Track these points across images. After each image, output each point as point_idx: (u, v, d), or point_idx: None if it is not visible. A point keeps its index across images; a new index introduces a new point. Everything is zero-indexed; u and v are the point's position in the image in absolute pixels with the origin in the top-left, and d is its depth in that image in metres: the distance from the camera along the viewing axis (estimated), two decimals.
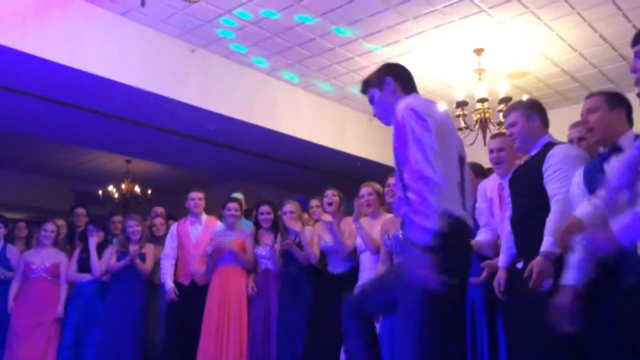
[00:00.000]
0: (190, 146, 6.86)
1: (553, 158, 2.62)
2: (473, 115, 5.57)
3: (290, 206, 4.57)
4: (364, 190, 4.07)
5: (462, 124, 5.58)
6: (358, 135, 7.30)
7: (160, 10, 4.95)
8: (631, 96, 2.53)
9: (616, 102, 2.43)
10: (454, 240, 2.01)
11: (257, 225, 4.84)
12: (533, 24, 5.12)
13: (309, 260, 4.35)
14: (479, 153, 5.10)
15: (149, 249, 5.03)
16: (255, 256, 4.65)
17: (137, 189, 9.44)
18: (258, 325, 4.46)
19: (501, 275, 3.01)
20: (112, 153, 8.45)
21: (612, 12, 4.93)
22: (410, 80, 2.51)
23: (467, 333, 3.41)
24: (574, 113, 2.87)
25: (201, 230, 5.01)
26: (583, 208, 2.25)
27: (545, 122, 2.85)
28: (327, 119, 6.95)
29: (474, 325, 3.43)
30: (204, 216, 5.12)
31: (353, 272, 4.07)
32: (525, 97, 5.50)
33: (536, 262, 2.47)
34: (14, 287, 4.92)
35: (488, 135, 5.43)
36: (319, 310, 4.20)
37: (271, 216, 4.68)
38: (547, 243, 2.48)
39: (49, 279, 4.97)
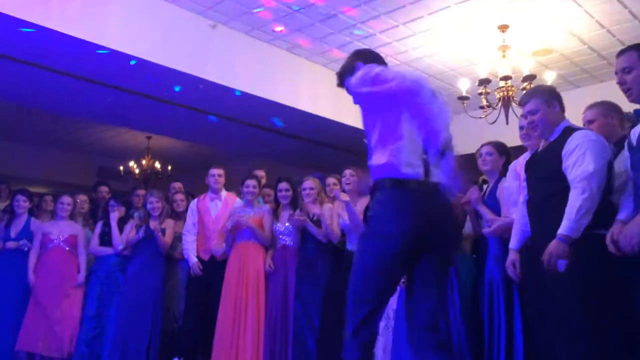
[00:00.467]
0: (211, 123, 6.88)
1: (572, 142, 2.62)
2: (496, 93, 5.48)
3: (309, 183, 4.58)
4: None
5: (484, 102, 5.49)
6: None
7: None
8: None
9: None
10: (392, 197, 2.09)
11: (277, 202, 4.87)
12: (560, 0, 4.99)
13: (329, 238, 4.37)
14: (501, 132, 5.03)
15: (169, 223, 5.11)
16: (273, 232, 4.69)
17: (157, 165, 9.54)
18: (275, 301, 4.51)
19: (513, 257, 3.04)
20: (133, 129, 8.53)
21: None
22: (379, 60, 2.47)
23: (484, 309, 3.42)
24: (601, 91, 2.83)
25: (221, 206, 5.07)
26: None
27: (562, 107, 2.83)
28: (348, 96, 6.85)
29: (491, 302, 3.43)
30: (223, 192, 5.17)
31: None
32: (549, 75, 5.43)
33: (552, 244, 2.50)
34: (32, 259, 5.03)
35: (511, 114, 5.35)
36: (336, 287, 4.22)
37: (290, 193, 4.70)
38: (565, 227, 2.50)
39: (67, 249, 5.08)
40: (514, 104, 5.41)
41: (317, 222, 4.46)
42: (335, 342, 4.02)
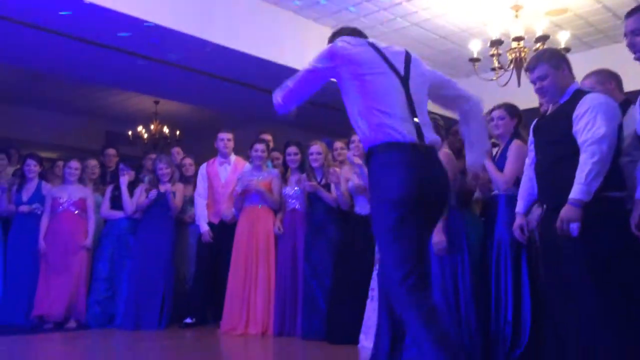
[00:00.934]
0: (219, 87, 6.83)
1: (583, 106, 2.58)
2: (508, 54, 5.36)
3: (316, 148, 4.58)
4: None
5: (496, 64, 5.39)
6: None
7: None
8: None
9: None
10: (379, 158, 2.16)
11: (285, 166, 4.87)
12: None
13: (340, 204, 4.39)
14: (513, 94, 4.96)
15: (179, 187, 5.14)
16: (282, 196, 4.72)
17: (165, 129, 9.55)
18: (285, 263, 4.57)
19: (520, 221, 3.07)
20: (141, 94, 8.50)
21: None
22: (348, 31, 2.54)
23: (492, 273, 3.45)
24: (616, 52, 2.77)
25: (230, 170, 5.10)
26: None
27: (570, 69, 2.78)
28: None
29: (498, 265, 3.45)
30: (232, 157, 5.20)
31: None
32: (563, 35, 5.31)
33: (564, 209, 2.50)
34: (43, 223, 5.10)
35: (523, 76, 5.25)
36: (345, 250, 4.27)
37: (298, 157, 4.70)
38: (576, 191, 2.49)
39: (76, 212, 5.13)
40: (526, 66, 5.31)
41: (326, 187, 4.47)
42: (346, 301, 4.10)
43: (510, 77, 5.36)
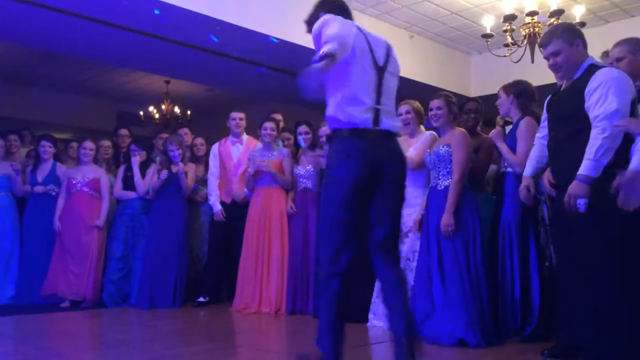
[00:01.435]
0: (229, 66, 6.80)
1: (595, 81, 2.55)
2: (521, 30, 5.27)
3: (327, 128, 4.55)
4: (402, 108, 4.01)
5: (509, 40, 5.30)
6: (398, 53, 7.01)
7: None
8: None
9: None
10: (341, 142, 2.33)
11: (297, 146, 4.86)
12: None
13: None
14: (527, 70, 4.89)
15: (190, 167, 5.16)
16: (294, 176, 4.72)
17: (177, 109, 9.55)
18: (297, 243, 4.59)
19: (526, 182, 3.13)
20: (152, 74, 8.49)
21: None
22: (343, 10, 2.52)
23: (500, 249, 3.44)
24: (632, 26, 2.71)
25: (242, 150, 5.10)
26: None
27: (585, 45, 2.74)
28: None
29: (504, 241, 3.45)
30: (245, 136, 5.20)
31: None
32: (578, 10, 5.20)
33: (572, 185, 2.50)
34: (59, 204, 5.16)
35: (537, 51, 5.16)
36: None
37: (309, 136, 4.69)
38: (585, 166, 2.48)
39: (90, 192, 5.18)
40: (540, 41, 5.21)
41: None
42: (356, 280, 4.11)
43: (524, 53, 5.29)
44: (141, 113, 9.66)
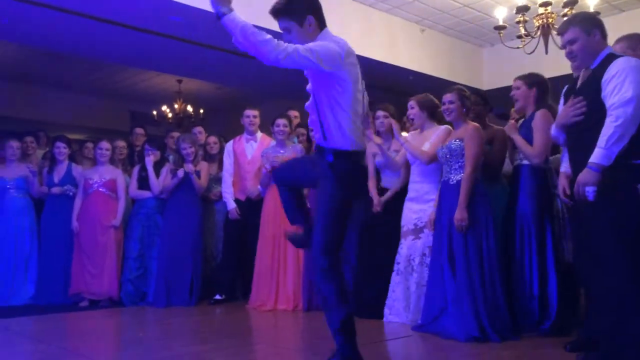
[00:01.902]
0: (241, 64, 6.80)
1: (612, 69, 2.53)
2: (534, 21, 5.21)
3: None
4: (409, 104, 4.01)
5: (522, 31, 5.24)
6: (409, 48, 7.03)
7: None
8: None
9: None
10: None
11: (310, 142, 4.86)
12: None
13: None
14: (541, 62, 4.84)
15: (203, 166, 5.18)
16: None
17: (189, 108, 9.58)
18: None
19: (562, 181, 3.00)
20: (164, 73, 8.53)
21: None
22: (322, 14, 2.59)
23: (516, 246, 3.41)
24: None
25: (256, 147, 5.11)
26: None
27: (604, 34, 2.71)
28: (377, 30, 6.69)
29: (522, 235, 3.42)
30: (259, 133, 5.21)
31: (405, 187, 4.09)
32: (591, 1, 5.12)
33: (582, 173, 2.50)
34: (77, 204, 5.21)
35: (551, 43, 5.11)
36: (371, 224, 4.27)
37: None
38: (596, 154, 2.48)
39: (107, 193, 5.22)
40: (553, 32, 5.15)
41: None
42: (371, 276, 4.12)
43: (538, 44, 5.22)
44: (154, 112, 9.71)
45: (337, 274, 2.59)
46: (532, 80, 3.54)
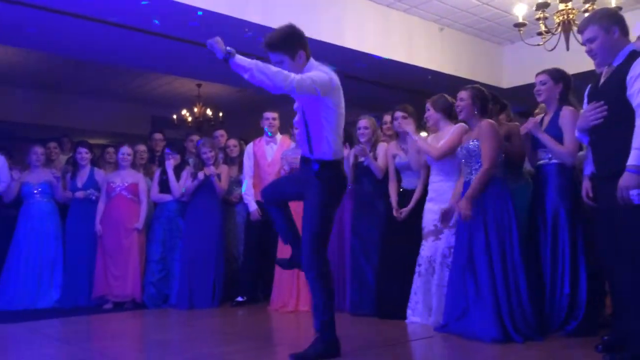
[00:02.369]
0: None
1: (637, 67, 2.49)
2: (555, 17, 5.15)
3: (364, 122, 4.57)
4: (426, 107, 4.03)
5: (543, 28, 5.18)
6: (428, 47, 7.00)
7: None
8: None
9: None
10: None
11: None
12: None
13: (378, 175, 4.40)
14: (562, 59, 4.78)
15: (223, 169, 5.22)
16: None
17: (209, 112, 9.66)
18: (332, 240, 4.55)
19: (586, 184, 2.98)
20: (183, 77, 8.61)
21: None
22: (309, 47, 2.95)
23: (547, 242, 3.37)
24: None
25: (276, 149, 5.13)
26: None
27: (624, 31, 2.69)
28: (395, 30, 6.67)
29: (555, 234, 3.37)
30: (278, 136, 5.23)
31: (426, 188, 4.07)
32: None
33: (623, 178, 2.44)
34: (100, 208, 5.29)
35: (572, 39, 5.04)
36: (393, 225, 4.26)
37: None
38: (633, 156, 2.43)
39: (129, 197, 5.29)
40: (574, 28, 5.08)
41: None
42: (394, 276, 4.11)
43: (558, 41, 5.16)
44: (174, 117, 9.81)
45: (328, 278, 2.94)
46: (559, 76, 3.49)
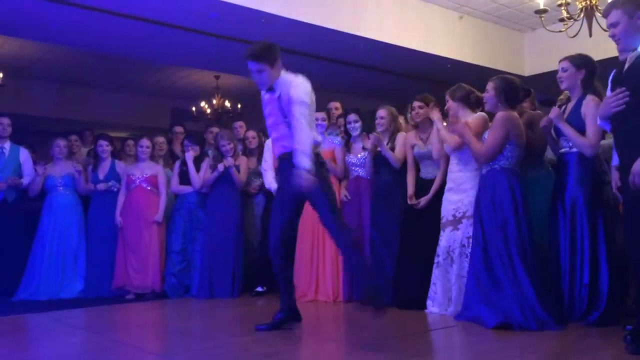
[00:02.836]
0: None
1: None
2: (577, 3, 5.05)
3: (381, 111, 4.54)
4: (446, 98, 3.98)
5: (565, 14, 5.08)
6: (447, 35, 6.92)
7: None
8: None
9: None
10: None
11: (347, 134, 4.85)
12: None
13: (394, 164, 4.39)
14: (584, 46, 4.68)
15: (242, 161, 5.24)
16: (346, 164, 4.72)
17: (227, 104, 9.70)
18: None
19: (615, 175, 2.95)
20: (202, 70, 8.65)
21: None
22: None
23: (566, 234, 3.34)
24: None
25: None
26: None
27: None
28: (413, 19, 6.61)
29: (574, 224, 3.33)
30: None
31: (444, 178, 4.04)
32: None
33: (636, 164, 2.42)
34: (120, 200, 5.36)
35: (595, 25, 4.94)
36: (411, 216, 4.24)
37: (359, 124, 4.66)
38: None
39: (149, 188, 5.35)
40: (597, 14, 4.98)
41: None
42: (413, 267, 4.10)
43: (581, 27, 5.06)
44: (193, 109, 9.87)
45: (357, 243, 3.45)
46: (581, 62, 3.41)
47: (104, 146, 5.51)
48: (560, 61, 3.50)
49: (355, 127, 4.67)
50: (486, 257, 3.37)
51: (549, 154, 3.77)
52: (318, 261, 4.70)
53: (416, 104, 4.29)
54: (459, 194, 3.81)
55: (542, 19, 5.22)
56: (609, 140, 3.69)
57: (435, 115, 3.99)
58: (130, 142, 6.07)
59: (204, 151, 5.48)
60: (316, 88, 3.34)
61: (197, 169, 5.27)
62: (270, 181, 5.05)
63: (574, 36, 5.09)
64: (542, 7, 5.20)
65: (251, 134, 5.60)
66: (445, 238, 3.87)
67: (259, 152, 5.41)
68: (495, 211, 3.38)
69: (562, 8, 5.06)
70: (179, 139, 6.12)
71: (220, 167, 5.07)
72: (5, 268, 5.09)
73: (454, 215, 3.83)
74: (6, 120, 5.35)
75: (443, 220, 3.91)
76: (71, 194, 5.45)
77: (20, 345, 3.44)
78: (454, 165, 3.91)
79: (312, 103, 3.30)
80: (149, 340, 3.63)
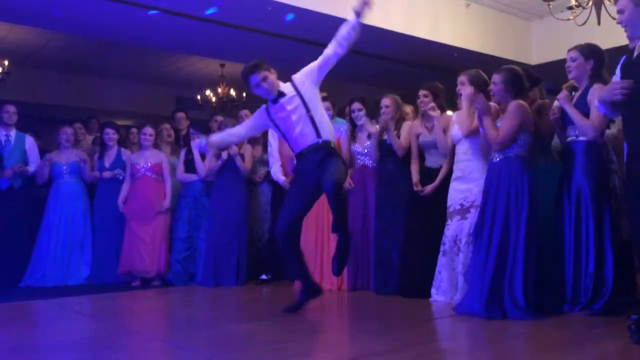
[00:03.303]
0: (282, 46, 6.81)
1: None
2: None
3: (385, 100, 4.52)
4: (459, 80, 3.91)
5: (573, 2, 5.03)
6: (454, 24, 6.86)
7: None
8: None
9: None
10: None
11: (352, 123, 4.83)
12: None
13: (398, 152, 4.37)
14: (593, 34, 4.64)
15: (247, 149, 5.23)
16: (351, 153, 4.70)
17: (232, 92, 9.68)
18: (356, 220, 4.58)
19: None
20: (207, 58, 8.62)
21: None
22: None
23: (571, 223, 3.32)
24: None
25: None
26: None
27: None
28: (420, 7, 6.55)
29: (579, 212, 3.31)
30: None
31: (450, 167, 4.02)
32: None
33: None
34: (124, 189, 5.38)
35: (603, 13, 4.89)
36: (417, 205, 4.23)
37: (363, 112, 4.64)
38: None
39: (153, 177, 5.36)
40: (606, 2, 4.92)
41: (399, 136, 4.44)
42: (418, 255, 4.10)
43: (589, 15, 5.01)
44: (198, 97, 9.85)
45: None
46: (590, 52, 3.39)
47: (111, 134, 5.51)
48: (568, 51, 3.47)
49: (359, 115, 4.65)
50: (489, 245, 3.34)
51: (555, 142, 3.75)
52: (322, 249, 4.71)
53: (422, 92, 4.27)
54: (468, 183, 3.79)
55: (550, 7, 5.17)
56: (614, 129, 3.67)
57: (435, 113, 3.97)
58: (134, 130, 6.07)
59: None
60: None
61: (203, 158, 5.27)
62: (277, 173, 5.06)
63: (583, 24, 5.04)
64: None
65: None
66: (452, 227, 3.86)
67: (263, 140, 5.41)
68: (510, 199, 3.32)
69: None
70: (181, 125, 6.12)
71: (224, 155, 5.07)
72: (12, 254, 5.12)
73: (461, 204, 3.82)
74: (12, 108, 5.36)
75: (450, 209, 3.90)
76: (77, 182, 5.47)
77: (27, 331, 3.47)
78: (461, 154, 3.89)
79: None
80: (153, 327, 3.65)
